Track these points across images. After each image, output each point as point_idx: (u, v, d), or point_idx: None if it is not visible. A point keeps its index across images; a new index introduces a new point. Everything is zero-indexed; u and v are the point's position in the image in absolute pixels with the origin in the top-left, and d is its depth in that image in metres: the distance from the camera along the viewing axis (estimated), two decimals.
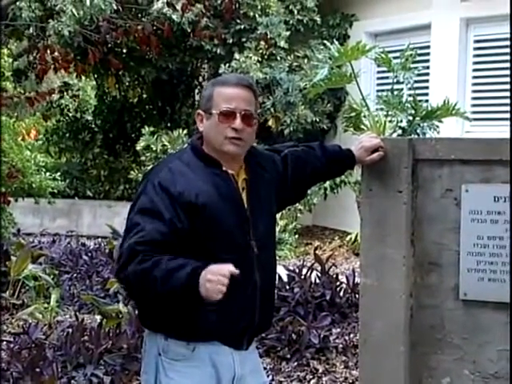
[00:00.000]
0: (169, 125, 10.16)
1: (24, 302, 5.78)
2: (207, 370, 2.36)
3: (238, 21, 9.03)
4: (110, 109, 11.38)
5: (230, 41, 9.07)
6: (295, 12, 9.20)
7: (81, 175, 10.90)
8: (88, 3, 7.87)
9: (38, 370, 4.13)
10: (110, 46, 8.82)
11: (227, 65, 8.74)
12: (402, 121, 3.03)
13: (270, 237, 2.51)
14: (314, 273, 5.65)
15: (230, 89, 2.37)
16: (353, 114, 3.18)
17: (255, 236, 2.38)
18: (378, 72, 8.50)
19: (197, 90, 10.77)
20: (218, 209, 2.31)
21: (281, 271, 5.33)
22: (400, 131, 3.06)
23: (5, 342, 4.69)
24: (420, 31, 8.30)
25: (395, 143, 2.74)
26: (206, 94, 2.41)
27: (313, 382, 4.32)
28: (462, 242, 2.68)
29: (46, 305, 5.61)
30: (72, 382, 4.18)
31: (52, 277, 6.20)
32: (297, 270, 5.64)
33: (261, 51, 8.85)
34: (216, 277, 2.12)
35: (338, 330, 5.01)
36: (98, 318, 5.29)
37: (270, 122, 8.80)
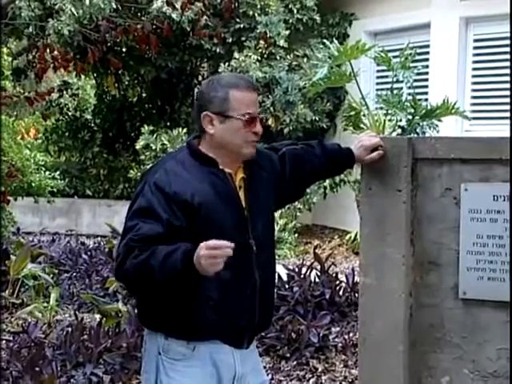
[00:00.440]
0: (168, 124, 10.16)
1: (23, 301, 5.78)
2: (208, 369, 2.36)
3: (238, 20, 9.03)
4: (110, 108, 11.37)
5: (230, 40, 9.07)
6: (295, 11, 9.20)
7: (80, 174, 10.91)
8: (87, 2, 7.87)
9: (37, 369, 4.13)
10: (109, 45, 8.82)
11: (227, 64, 8.74)
12: (401, 120, 3.03)
13: (268, 236, 2.51)
14: (314, 272, 5.65)
15: (247, 93, 2.37)
16: (352, 113, 3.18)
17: (254, 235, 2.38)
18: (378, 71, 8.50)
19: (196, 89, 10.77)
20: (214, 208, 2.31)
21: (280, 270, 5.33)
22: (399, 130, 3.06)
23: (4, 341, 4.70)
24: (419, 30, 8.31)
25: (395, 142, 2.74)
26: (218, 95, 2.33)
27: (312, 380, 4.32)
28: (461, 241, 2.68)
29: (45, 304, 5.61)
30: (71, 380, 4.18)
31: (51, 276, 6.20)
32: (296, 269, 5.64)
33: (260, 50, 8.85)
34: (208, 251, 2.12)
35: (338, 328, 5.02)
36: (98, 316, 5.29)
37: (270, 121, 8.80)
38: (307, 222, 9.66)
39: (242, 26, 9.02)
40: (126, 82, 11.20)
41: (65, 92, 11.31)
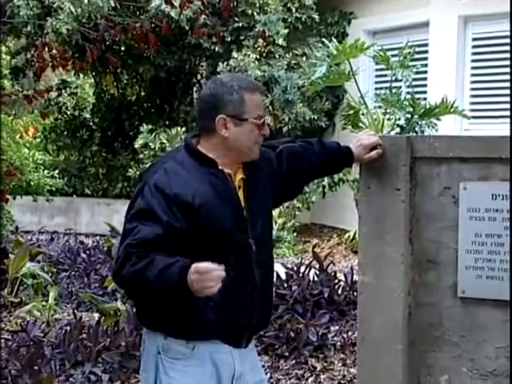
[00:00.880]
0: (167, 123, 10.15)
1: (22, 300, 5.78)
2: (207, 369, 2.36)
3: (237, 18, 9.03)
4: (108, 107, 11.37)
5: (229, 39, 9.07)
6: (293, 10, 9.20)
7: (79, 173, 10.90)
8: (86, 1, 7.87)
9: (36, 367, 4.13)
10: (108, 43, 8.82)
11: (225, 63, 8.74)
12: (400, 119, 3.03)
13: (267, 235, 2.51)
14: (313, 271, 5.65)
15: (258, 95, 2.39)
16: (351, 111, 3.18)
17: (253, 234, 2.38)
18: (377, 70, 8.50)
19: (195, 88, 10.76)
20: (215, 208, 2.31)
21: (279, 269, 5.33)
22: (398, 129, 3.06)
23: (3, 340, 4.69)
24: (418, 29, 8.31)
25: (393, 141, 2.73)
26: (233, 98, 2.32)
27: (311, 379, 4.32)
28: (460, 240, 2.68)
29: (44, 303, 5.61)
30: (70, 379, 4.18)
31: (50, 275, 6.20)
32: (295, 268, 5.64)
33: (259, 49, 8.85)
34: (197, 276, 2.12)
35: (336, 327, 5.02)
36: (96, 315, 5.29)
37: (269, 120, 8.80)
38: (306, 220, 9.66)
39: (240, 24, 9.02)
40: (125, 81, 11.20)
41: (63, 91, 11.30)
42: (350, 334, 4.87)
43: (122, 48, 9.75)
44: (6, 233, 7.75)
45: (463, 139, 3.08)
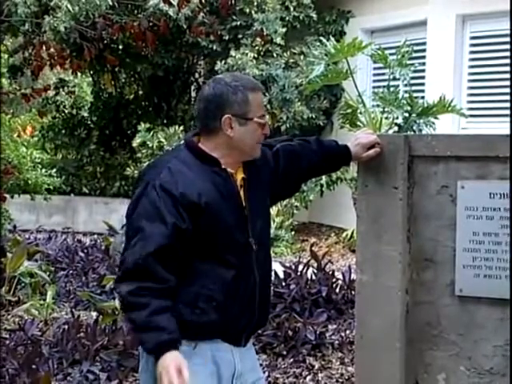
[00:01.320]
0: (165, 121, 10.15)
1: (20, 299, 5.78)
2: (208, 368, 2.36)
3: (234, 17, 9.02)
4: (106, 105, 11.35)
5: (226, 37, 9.06)
6: (291, 8, 9.20)
7: (77, 172, 10.88)
8: None
9: (33, 366, 4.13)
10: (105, 42, 8.81)
11: (223, 61, 8.73)
12: (398, 117, 3.03)
13: (266, 234, 2.52)
14: (310, 269, 5.65)
15: (259, 95, 2.40)
16: (349, 110, 3.18)
17: (253, 234, 2.38)
18: (374, 68, 8.50)
19: (193, 87, 10.76)
20: (219, 207, 2.31)
21: (277, 268, 5.34)
22: (396, 128, 3.06)
23: (0, 339, 4.69)
24: (416, 28, 8.31)
25: (391, 139, 2.74)
26: (238, 98, 2.32)
27: (309, 378, 4.32)
28: (457, 239, 2.68)
29: (41, 301, 5.61)
30: (68, 378, 4.18)
31: (48, 273, 6.20)
32: (293, 267, 5.64)
33: (257, 48, 8.84)
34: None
35: (334, 326, 5.02)
36: (94, 314, 5.29)
37: (267, 119, 8.79)
38: (304, 219, 9.66)
39: (238, 23, 9.02)
40: (123, 80, 11.18)
41: (61, 89, 11.27)
42: (347, 332, 4.87)
43: (120, 47, 9.73)
44: (3, 231, 7.74)
45: (461, 138, 3.09)
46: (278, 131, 8.64)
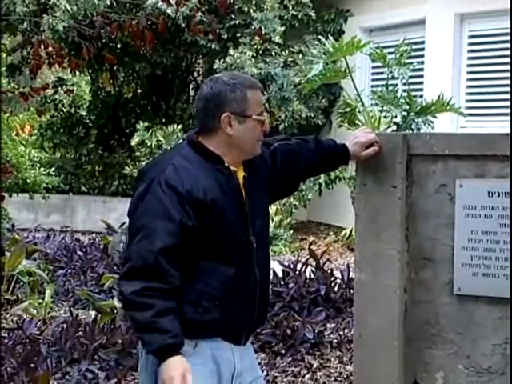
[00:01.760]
0: (163, 120, 10.15)
1: (18, 298, 5.77)
2: (209, 367, 2.36)
3: (233, 16, 9.02)
4: (105, 104, 11.35)
5: (225, 36, 9.06)
6: (290, 7, 9.20)
7: (75, 170, 10.88)
8: None
9: (32, 365, 4.12)
10: (104, 41, 8.82)
11: (222, 60, 8.73)
12: (396, 116, 3.03)
13: (266, 233, 2.52)
14: (309, 268, 5.65)
15: (258, 92, 2.40)
16: (347, 109, 3.18)
17: (254, 232, 2.39)
18: (373, 67, 8.50)
19: (191, 86, 10.75)
20: (223, 205, 2.31)
21: (276, 266, 5.33)
22: (394, 127, 3.06)
23: None
24: (415, 26, 8.31)
25: (390, 138, 2.74)
26: (237, 96, 2.32)
27: (307, 377, 4.32)
28: (456, 237, 2.68)
29: (40, 300, 5.60)
30: (66, 377, 4.17)
31: (46, 272, 6.19)
32: (291, 266, 5.65)
33: (255, 46, 8.84)
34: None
35: (333, 325, 5.02)
36: (93, 313, 5.29)
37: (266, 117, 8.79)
38: (302, 218, 9.66)
39: (237, 22, 9.02)
40: (121, 79, 11.18)
41: (59, 88, 11.26)
42: (346, 331, 4.87)
43: (119, 45, 9.73)
44: (2, 230, 7.74)
45: (459, 136, 3.08)
46: (277, 130, 8.64)
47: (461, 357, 2.71)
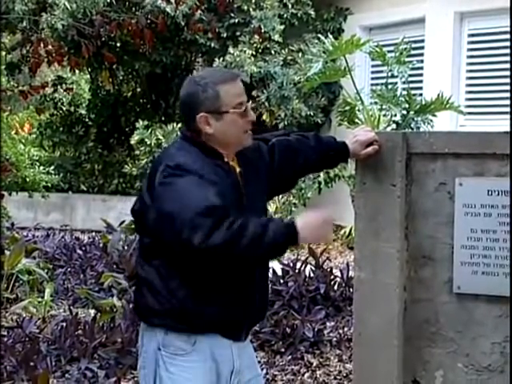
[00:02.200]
0: (163, 119, 10.14)
1: (18, 296, 5.77)
2: (207, 364, 2.36)
3: (232, 14, 9.02)
4: (104, 103, 11.35)
5: (224, 35, 9.06)
6: (289, 6, 9.19)
7: (75, 169, 10.88)
8: None
9: (31, 363, 4.12)
10: (103, 39, 8.79)
11: (221, 59, 8.73)
12: (396, 115, 3.03)
13: None
14: (309, 267, 5.66)
15: (234, 84, 2.37)
16: (347, 107, 3.18)
17: None
18: (373, 66, 8.50)
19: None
20: (226, 199, 2.31)
21: (275, 265, 5.34)
22: (394, 125, 3.06)
23: None
24: (414, 25, 8.31)
25: (389, 137, 2.74)
26: (209, 95, 2.32)
27: (307, 375, 4.32)
28: (455, 236, 2.68)
29: (39, 299, 5.60)
30: (66, 375, 4.17)
31: (46, 271, 6.19)
32: (291, 264, 5.65)
33: (255, 45, 8.84)
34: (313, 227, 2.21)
35: (332, 323, 5.03)
36: (92, 312, 5.29)
37: (265, 116, 8.80)
38: None
39: (236, 20, 9.01)
40: (121, 77, 11.18)
41: (59, 87, 11.26)
42: (345, 329, 4.88)
43: (118, 44, 9.73)
44: (1, 229, 7.74)
45: (459, 135, 3.09)
46: (276, 128, 8.64)
47: (460, 355, 2.71)
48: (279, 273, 5.47)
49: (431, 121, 3.11)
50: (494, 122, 7.36)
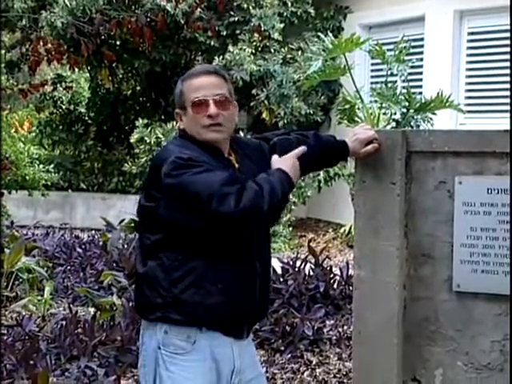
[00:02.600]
0: (163, 117, 10.14)
1: (17, 295, 5.77)
2: (207, 364, 2.36)
3: (232, 13, 9.01)
4: (104, 101, 11.34)
5: (224, 33, 9.05)
6: (289, 4, 9.19)
7: (74, 167, 10.87)
8: None
9: (31, 362, 4.12)
10: (103, 37, 8.80)
11: (221, 57, 8.72)
12: (395, 113, 3.03)
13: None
14: (308, 265, 5.66)
15: (197, 78, 2.40)
16: (347, 106, 3.17)
17: None
18: (372, 64, 8.50)
19: None
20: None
21: (275, 263, 5.33)
22: (394, 123, 3.06)
23: None
24: (414, 23, 8.31)
25: (389, 135, 2.74)
26: (177, 91, 2.43)
27: (306, 373, 4.33)
28: (455, 234, 2.68)
29: (39, 297, 5.60)
30: (66, 374, 4.17)
31: (46, 269, 6.19)
32: (291, 263, 5.65)
33: (255, 43, 8.83)
34: None
35: (332, 321, 5.03)
36: (92, 310, 5.29)
37: (264, 115, 8.80)
38: (302, 215, 9.66)
39: (236, 19, 9.01)
40: (120, 75, 11.17)
41: (58, 85, 11.26)
42: (345, 328, 4.88)
43: (118, 42, 9.72)
44: (1, 227, 7.74)
45: (458, 133, 3.09)
46: (276, 127, 8.63)
47: (460, 353, 2.72)
48: (279, 271, 5.47)
49: (431, 119, 3.11)
50: (494, 121, 7.36)
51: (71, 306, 5.39)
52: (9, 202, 8.44)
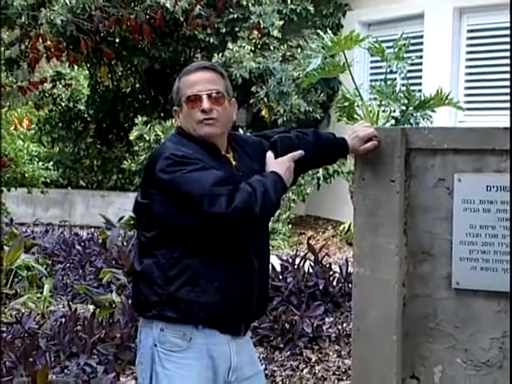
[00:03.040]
0: (162, 114, 10.14)
1: (17, 292, 5.77)
2: (204, 361, 2.35)
3: (231, 10, 9.01)
4: (103, 98, 11.34)
5: (223, 30, 9.05)
6: (288, 1, 9.19)
7: (74, 165, 10.88)
8: None
9: (31, 359, 4.12)
10: (102, 35, 8.80)
11: (220, 54, 8.72)
12: (395, 110, 3.03)
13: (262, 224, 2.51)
14: (308, 262, 5.66)
15: (192, 75, 2.41)
16: (346, 103, 3.17)
17: None
18: (372, 62, 8.50)
19: None
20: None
21: (274, 261, 5.33)
22: (393, 121, 3.06)
23: None
24: (413, 20, 8.31)
25: (388, 132, 2.74)
26: (174, 89, 2.44)
27: (306, 371, 4.33)
28: (454, 231, 2.68)
29: (38, 295, 5.61)
30: (65, 371, 4.18)
31: (45, 267, 6.19)
32: (290, 260, 5.65)
33: (254, 41, 8.83)
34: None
35: (331, 319, 5.03)
36: (91, 307, 5.29)
37: (264, 112, 8.80)
38: (301, 212, 9.67)
39: (235, 16, 9.00)
40: (120, 73, 11.16)
41: (58, 82, 11.25)
42: (344, 325, 4.88)
43: (117, 39, 9.72)
44: (0, 225, 7.74)
45: (458, 131, 3.09)
46: (275, 124, 8.64)
47: (459, 351, 2.72)
48: (278, 269, 5.47)
49: (430, 116, 3.11)
50: (494, 118, 7.36)
51: (70, 303, 5.40)
52: (8, 199, 8.44)
